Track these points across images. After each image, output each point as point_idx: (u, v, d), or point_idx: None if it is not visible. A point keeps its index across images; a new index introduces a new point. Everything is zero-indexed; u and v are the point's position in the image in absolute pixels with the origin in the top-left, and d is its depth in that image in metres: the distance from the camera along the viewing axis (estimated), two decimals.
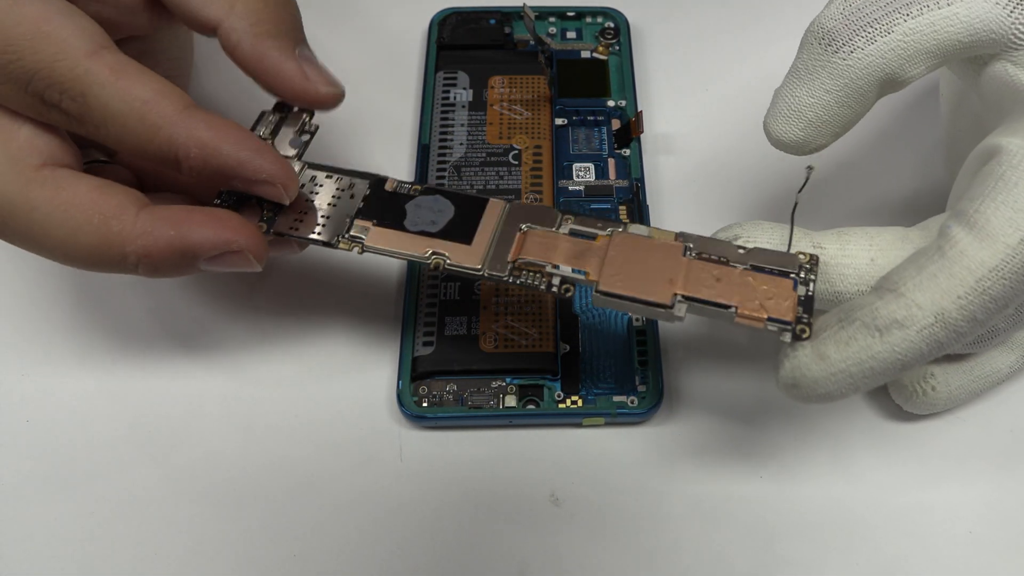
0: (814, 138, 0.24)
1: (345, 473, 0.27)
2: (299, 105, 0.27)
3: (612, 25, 0.36)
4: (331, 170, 0.27)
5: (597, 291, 0.23)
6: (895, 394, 0.27)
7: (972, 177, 0.22)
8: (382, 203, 0.26)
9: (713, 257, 0.23)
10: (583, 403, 0.28)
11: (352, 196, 0.26)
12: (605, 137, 0.33)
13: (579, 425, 0.28)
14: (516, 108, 0.34)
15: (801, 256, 0.23)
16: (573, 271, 0.23)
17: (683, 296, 0.22)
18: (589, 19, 0.37)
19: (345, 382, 0.29)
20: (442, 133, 0.33)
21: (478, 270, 0.24)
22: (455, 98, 0.34)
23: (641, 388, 0.28)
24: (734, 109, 0.34)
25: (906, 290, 0.20)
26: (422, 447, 0.28)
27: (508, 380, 0.28)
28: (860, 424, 0.28)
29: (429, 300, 0.29)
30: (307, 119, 0.27)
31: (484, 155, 0.32)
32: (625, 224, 0.24)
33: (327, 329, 0.30)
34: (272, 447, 0.28)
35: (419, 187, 0.26)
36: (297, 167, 0.26)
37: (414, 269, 0.30)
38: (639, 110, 0.32)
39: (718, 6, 0.38)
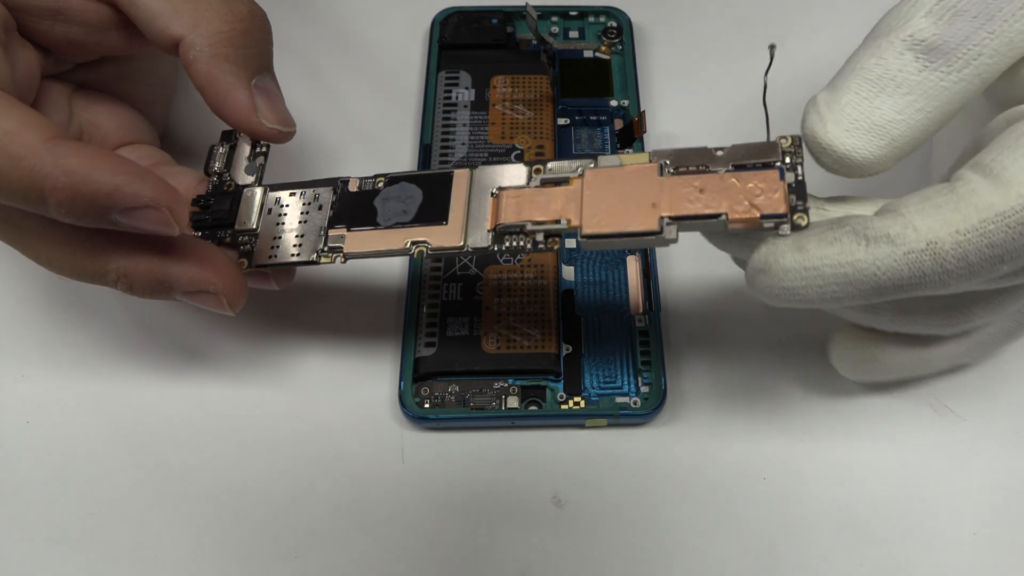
0: (891, 157, 0.21)
1: (347, 474, 0.27)
2: (244, 134, 0.27)
3: (615, 24, 0.36)
4: (293, 186, 0.26)
5: (582, 236, 0.22)
6: (836, 355, 0.26)
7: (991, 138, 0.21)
8: (351, 206, 0.25)
9: (692, 168, 0.22)
10: (586, 404, 0.27)
11: (320, 207, 0.26)
12: (608, 137, 0.33)
13: (582, 426, 0.28)
14: (518, 108, 0.34)
15: (783, 140, 0.22)
16: (554, 223, 0.23)
17: (670, 217, 0.22)
18: (592, 18, 0.37)
19: (347, 383, 0.29)
20: (444, 133, 0.33)
21: (460, 247, 0.24)
22: (457, 98, 0.34)
23: (644, 389, 0.28)
24: (737, 108, 0.34)
25: (906, 211, 0.20)
26: (424, 448, 0.28)
27: (510, 381, 0.28)
28: (864, 426, 0.28)
29: (431, 301, 0.29)
30: (258, 141, 0.27)
31: (486, 155, 0.32)
32: (595, 158, 0.24)
33: (328, 330, 0.30)
34: (273, 449, 0.28)
35: (383, 178, 0.26)
36: (259, 192, 0.26)
37: (416, 269, 0.30)
38: (642, 110, 0.32)
39: (721, 5, 0.38)
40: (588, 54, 0.36)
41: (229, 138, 0.27)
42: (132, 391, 0.29)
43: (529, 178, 0.24)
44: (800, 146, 0.22)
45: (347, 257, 0.25)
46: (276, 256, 0.25)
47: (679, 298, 0.30)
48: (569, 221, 0.23)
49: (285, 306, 0.30)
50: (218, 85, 0.25)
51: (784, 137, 0.22)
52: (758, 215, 0.21)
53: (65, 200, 0.21)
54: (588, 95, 0.34)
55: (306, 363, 0.29)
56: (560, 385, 0.28)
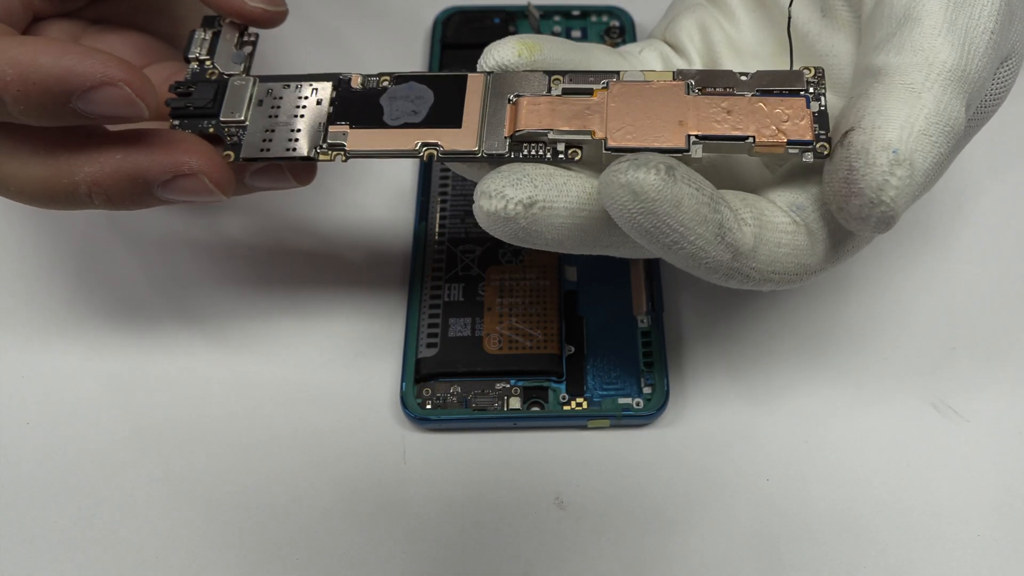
0: None
1: (348, 475, 0.27)
2: (229, 18, 0.25)
3: (618, 24, 0.36)
4: (287, 79, 0.24)
5: (607, 148, 0.22)
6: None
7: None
8: (354, 103, 0.24)
9: (718, 89, 0.22)
10: (588, 405, 0.27)
11: (319, 102, 0.24)
12: None
13: (584, 427, 0.28)
14: None
15: (806, 71, 0.23)
16: (577, 132, 0.22)
17: (697, 136, 0.22)
18: (594, 18, 0.37)
19: (348, 384, 0.29)
20: None
21: (474, 152, 0.23)
22: None
23: (647, 390, 0.28)
24: None
25: (760, 244, 0.21)
26: (426, 449, 0.28)
27: (512, 382, 0.28)
28: (867, 426, 0.28)
29: (433, 301, 0.29)
30: (244, 29, 0.25)
31: None
32: (618, 73, 0.23)
33: (329, 331, 0.30)
34: (275, 449, 0.28)
35: (388, 76, 0.24)
36: (249, 83, 0.24)
37: (417, 268, 0.30)
38: None
39: None
40: None
41: (212, 23, 0.25)
42: (132, 395, 0.29)
43: (549, 88, 0.23)
44: (823, 77, 0.22)
45: (349, 155, 0.23)
46: (269, 150, 0.23)
47: (682, 299, 0.30)
48: (594, 132, 0.22)
49: (285, 307, 0.30)
50: None
51: (807, 67, 0.23)
52: (784, 140, 0.21)
53: (20, 94, 0.21)
54: None
55: (307, 364, 0.29)
56: (562, 386, 0.28)
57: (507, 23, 0.36)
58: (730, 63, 0.26)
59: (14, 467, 0.27)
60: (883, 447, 0.27)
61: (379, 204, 0.32)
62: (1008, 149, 0.33)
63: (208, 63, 0.25)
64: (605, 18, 0.36)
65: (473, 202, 0.22)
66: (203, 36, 0.25)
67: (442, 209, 0.31)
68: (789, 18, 0.24)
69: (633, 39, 0.36)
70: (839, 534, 0.26)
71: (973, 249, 0.31)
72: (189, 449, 0.28)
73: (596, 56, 0.25)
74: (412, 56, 0.36)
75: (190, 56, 0.25)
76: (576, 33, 0.36)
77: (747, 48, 0.26)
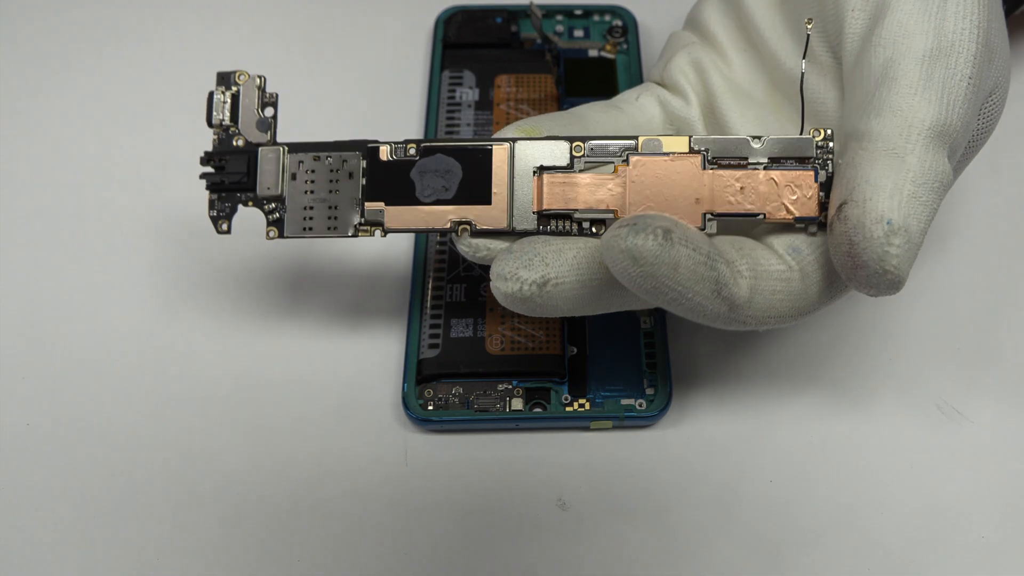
0: None
1: (349, 477, 0.27)
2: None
3: (620, 23, 0.36)
4: (315, 148, 0.25)
5: None
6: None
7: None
8: (385, 177, 0.25)
9: (732, 162, 0.23)
10: (591, 406, 0.27)
11: (350, 175, 0.25)
12: None
13: (587, 429, 0.28)
14: (523, 107, 0.33)
15: (816, 135, 0.23)
16: (601, 212, 0.24)
17: (712, 214, 0.23)
18: (597, 17, 0.36)
19: (349, 385, 0.29)
20: (448, 132, 0.33)
21: (506, 229, 0.24)
22: (461, 97, 0.34)
23: (649, 391, 0.28)
24: None
25: (756, 291, 0.22)
26: (428, 451, 0.28)
27: (515, 383, 0.28)
28: (871, 428, 0.28)
29: (435, 302, 0.29)
30: (261, 84, 0.25)
31: None
32: (636, 139, 0.24)
33: (331, 332, 0.30)
34: (276, 450, 0.28)
35: (414, 144, 0.25)
36: (279, 153, 0.25)
37: (419, 269, 0.30)
38: None
39: None
40: (593, 53, 0.36)
41: (227, 81, 0.25)
42: (132, 396, 0.29)
43: (571, 157, 0.24)
44: (831, 138, 0.23)
45: (387, 231, 0.25)
46: (312, 228, 0.25)
47: None
48: (616, 212, 0.24)
49: (286, 307, 0.30)
50: None
51: (817, 130, 0.23)
52: (792, 217, 0.23)
53: None
54: (593, 95, 0.34)
55: (308, 364, 0.29)
56: (565, 387, 0.28)
57: (509, 23, 0.36)
58: (726, 105, 0.27)
59: (14, 467, 0.27)
60: (887, 448, 0.27)
61: None
62: (1009, 150, 0.33)
63: (233, 129, 0.25)
64: (608, 17, 0.36)
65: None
66: (222, 98, 0.25)
67: None
68: (802, 76, 0.24)
69: (636, 38, 0.36)
70: (843, 536, 0.26)
71: (976, 249, 0.31)
72: (189, 450, 0.28)
73: (593, 118, 0.26)
74: (414, 55, 0.36)
75: (214, 122, 0.25)
76: (579, 32, 0.36)
77: (741, 89, 0.27)
